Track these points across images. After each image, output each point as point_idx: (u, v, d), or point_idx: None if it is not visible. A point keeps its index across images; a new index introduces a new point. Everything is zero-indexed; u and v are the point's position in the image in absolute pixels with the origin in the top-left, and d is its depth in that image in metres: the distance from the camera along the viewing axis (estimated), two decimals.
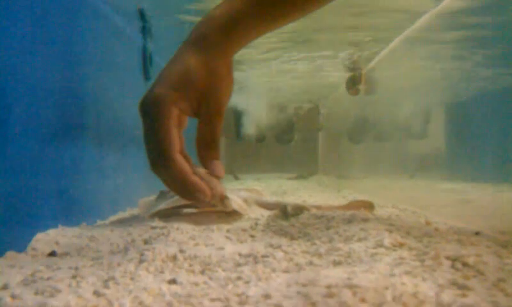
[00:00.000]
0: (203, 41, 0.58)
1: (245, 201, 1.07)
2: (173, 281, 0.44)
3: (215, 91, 0.57)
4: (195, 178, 0.56)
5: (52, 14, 0.78)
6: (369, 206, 0.96)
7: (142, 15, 1.28)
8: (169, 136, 0.54)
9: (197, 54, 0.57)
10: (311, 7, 0.65)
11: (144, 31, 1.33)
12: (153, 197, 1.03)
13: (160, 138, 0.54)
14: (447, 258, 0.47)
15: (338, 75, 2.42)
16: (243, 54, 1.92)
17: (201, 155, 0.58)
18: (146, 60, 1.34)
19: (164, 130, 0.54)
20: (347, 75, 2.32)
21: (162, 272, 0.49)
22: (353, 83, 2.30)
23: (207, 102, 0.57)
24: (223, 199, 0.58)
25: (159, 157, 0.54)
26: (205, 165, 0.58)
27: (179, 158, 0.55)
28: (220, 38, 0.58)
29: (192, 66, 0.57)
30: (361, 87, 2.30)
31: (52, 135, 0.77)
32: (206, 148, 0.58)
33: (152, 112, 0.55)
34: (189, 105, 0.57)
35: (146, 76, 1.34)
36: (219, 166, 0.58)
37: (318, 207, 0.97)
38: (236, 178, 3.18)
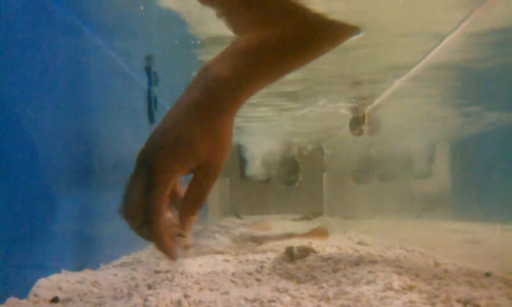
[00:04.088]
0: (211, 108, 0.59)
1: (235, 240, 1.08)
2: None
3: (215, 159, 0.60)
4: (168, 241, 0.60)
5: (58, 58, 0.79)
6: (324, 232, 1.01)
7: (148, 59, 1.30)
8: (160, 204, 0.58)
9: (204, 125, 0.59)
10: (315, 55, 0.66)
11: (150, 74, 1.35)
12: None
13: (152, 203, 0.58)
14: (458, 301, 0.46)
15: (341, 116, 2.43)
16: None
17: (185, 210, 0.62)
18: (151, 103, 1.35)
19: (158, 198, 0.58)
20: (351, 115, 2.32)
21: None
22: (357, 124, 2.31)
23: (206, 168, 0.60)
24: (186, 248, 0.63)
25: (145, 217, 0.58)
26: (183, 220, 0.62)
27: (161, 222, 0.59)
28: (230, 103, 0.60)
29: (197, 138, 0.59)
30: (365, 127, 2.30)
31: (56, 180, 0.77)
32: (192, 205, 0.61)
33: (152, 179, 0.58)
34: (187, 171, 0.60)
35: (151, 119, 1.35)
36: (192, 223, 0.62)
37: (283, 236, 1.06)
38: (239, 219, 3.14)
